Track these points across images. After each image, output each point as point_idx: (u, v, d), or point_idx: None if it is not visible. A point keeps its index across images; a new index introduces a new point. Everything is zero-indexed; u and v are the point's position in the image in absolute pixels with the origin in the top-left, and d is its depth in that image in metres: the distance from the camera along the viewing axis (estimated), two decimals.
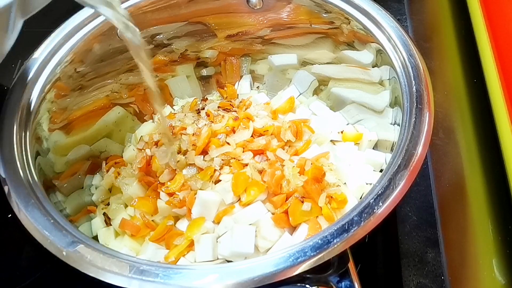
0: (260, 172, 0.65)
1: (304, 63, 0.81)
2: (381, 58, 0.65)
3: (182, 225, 0.64)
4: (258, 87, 0.87)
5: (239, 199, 0.63)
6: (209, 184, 0.65)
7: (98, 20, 0.67)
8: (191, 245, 0.61)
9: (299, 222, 0.60)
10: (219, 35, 0.81)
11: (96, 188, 0.73)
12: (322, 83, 0.81)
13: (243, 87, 0.86)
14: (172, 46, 0.80)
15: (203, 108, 0.77)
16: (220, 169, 0.66)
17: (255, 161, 0.65)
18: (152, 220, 0.66)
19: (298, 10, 0.73)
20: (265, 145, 0.67)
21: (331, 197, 0.61)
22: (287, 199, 0.62)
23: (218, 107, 0.77)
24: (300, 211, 0.60)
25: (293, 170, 0.63)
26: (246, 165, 0.65)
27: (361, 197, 0.64)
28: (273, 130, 0.70)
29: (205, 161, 0.67)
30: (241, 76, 0.86)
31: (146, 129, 0.79)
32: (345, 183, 0.66)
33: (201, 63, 0.84)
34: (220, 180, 0.65)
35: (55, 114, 0.66)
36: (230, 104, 0.78)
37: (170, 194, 0.65)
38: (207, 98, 0.83)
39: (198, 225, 0.60)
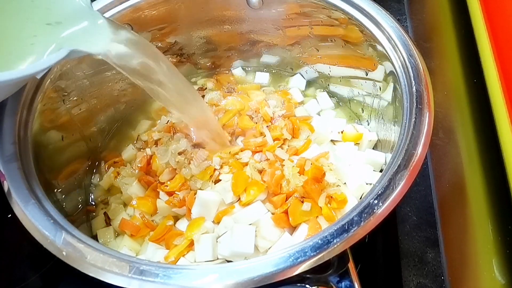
0: (260, 171, 0.65)
1: (302, 63, 0.82)
2: (381, 58, 0.65)
3: (182, 225, 0.64)
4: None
5: (239, 199, 0.63)
6: (209, 183, 0.65)
7: None
8: (191, 245, 0.61)
9: (299, 222, 0.60)
10: (220, 48, 0.83)
11: (95, 188, 0.73)
12: (324, 81, 0.81)
13: (235, 73, 0.86)
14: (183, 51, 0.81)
15: (203, 96, 0.77)
16: (220, 169, 0.66)
17: (255, 161, 0.65)
18: (152, 220, 0.66)
19: (298, 10, 0.73)
20: (262, 142, 0.67)
21: (331, 197, 0.61)
22: (287, 199, 0.62)
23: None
24: (300, 211, 0.60)
25: (293, 170, 0.63)
26: (246, 164, 0.65)
27: (361, 197, 0.64)
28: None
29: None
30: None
31: (143, 128, 0.80)
32: (345, 183, 0.66)
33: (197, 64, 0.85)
34: (220, 180, 0.65)
35: (55, 113, 0.66)
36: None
37: (170, 194, 0.65)
38: (205, 88, 0.83)
39: (198, 225, 0.60)
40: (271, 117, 0.72)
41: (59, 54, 0.47)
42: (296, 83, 0.82)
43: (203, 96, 0.78)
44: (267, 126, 0.71)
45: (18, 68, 0.46)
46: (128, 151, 0.76)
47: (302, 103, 0.80)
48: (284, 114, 0.74)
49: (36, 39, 0.48)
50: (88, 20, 0.51)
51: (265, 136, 0.69)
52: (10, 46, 0.48)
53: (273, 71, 0.86)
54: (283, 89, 0.82)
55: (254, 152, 0.67)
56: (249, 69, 0.87)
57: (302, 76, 0.83)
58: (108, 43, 0.51)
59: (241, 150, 0.67)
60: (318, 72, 0.80)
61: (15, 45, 0.48)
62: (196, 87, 0.83)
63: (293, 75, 0.84)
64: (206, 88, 0.82)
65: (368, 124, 0.75)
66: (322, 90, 0.81)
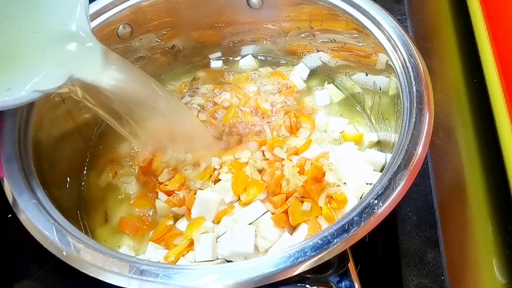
0: (260, 171, 0.65)
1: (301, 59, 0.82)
2: (381, 58, 0.65)
3: (182, 225, 0.64)
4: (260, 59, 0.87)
5: (239, 199, 0.63)
6: (209, 183, 0.65)
7: (98, 20, 0.68)
8: (190, 245, 0.61)
9: (299, 222, 0.60)
10: (215, 46, 0.84)
11: (93, 186, 0.73)
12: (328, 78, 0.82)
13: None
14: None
15: (197, 88, 0.78)
16: (219, 169, 0.66)
17: (254, 161, 0.66)
18: (148, 215, 0.66)
19: (298, 10, 0.73)
20: (262, 140, 0.68)
21: (331, 197, 0.61)
22: (286, 199, 0.62)
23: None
24: (300, 211, 0.60)
25: (292, 169, 0.63)
26: (245, 164, 0.66)
27: (361, 197, 0.64)
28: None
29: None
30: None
31: None
32: (345, 183, 0.66)
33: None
34: (220, 180, 0.65)
35: (55, 113, 0.66)
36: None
37: (169, 193, 0.65)
38: (198, 78, 0.82)
39: (198, 225, 0.60)
40: (270, 110, 0.73)
41: (55, 83, 0.48)
42: (298, 71, 0.82)
43: (197, 89, 0.78)
44: (268, 123, 0.71)
45: (17, 89, 0.47)
46: (125, 147, 0.75)
47: (305, 91, 0.80)
48: (285, 103, 0.74)
49: (33, 62, 0.49)
50: (79, 45, 0.51)
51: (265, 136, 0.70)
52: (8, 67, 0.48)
53: (273, 60, 0.86)
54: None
55: (259, 144, 0.68)
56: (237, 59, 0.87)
57: (305, 65, 0.82)
58: (100, 70, 0.51)
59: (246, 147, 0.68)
60: (321, 62, 0.80)
61: (11, 66, 0.48)
62: (189, 79, 0.83)
63: (295, 65, 0.83)
64: (199, 78, 0.82)
65: (368, 124, 0.75)
66: (328, 83, 0.81)
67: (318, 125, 0.73)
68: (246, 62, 0.84)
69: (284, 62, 0.85)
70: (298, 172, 0.63)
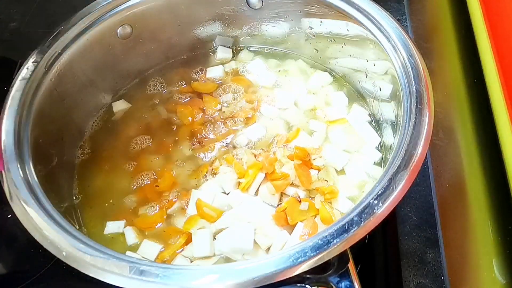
0: (255, 155, 0.67)
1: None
2: (381, 58, 0.65)
3: (178, 222, 0.65)
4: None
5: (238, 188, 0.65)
6: (206, 178, 0.67)
7: (98, 20, 0.68)
8: (187, 242, 0.62)
9: (297, 221, 0.61)
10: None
11: (88, 181, 0.73)
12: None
13: None
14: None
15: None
16: (211, 165, 0.68)
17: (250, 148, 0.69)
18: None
19: (298, 10, 0.73)
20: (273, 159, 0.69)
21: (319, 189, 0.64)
22: (283, 190, 0.63)
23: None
24: (298, 210, 0.61)
25: (284, 152, 0.66)
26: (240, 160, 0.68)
27: (361, 189, 0.65)
28: None
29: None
30: None
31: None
32: (342, 170, 0.67)
33: None
34: (219, 172, 0.67)
35: (55, 113, 0.66)
36: None
37: (160, 194, 0.67)
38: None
39: (195, 220, 0.62)
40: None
41: None
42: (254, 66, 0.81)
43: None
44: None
45: None
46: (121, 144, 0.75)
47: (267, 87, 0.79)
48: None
49: None
50: None
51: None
52: None
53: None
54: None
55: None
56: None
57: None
58: None
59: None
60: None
61: None
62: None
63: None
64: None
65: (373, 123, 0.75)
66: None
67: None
68: (221, 55, 0.83)
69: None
70: (288, 157, 0.66)
